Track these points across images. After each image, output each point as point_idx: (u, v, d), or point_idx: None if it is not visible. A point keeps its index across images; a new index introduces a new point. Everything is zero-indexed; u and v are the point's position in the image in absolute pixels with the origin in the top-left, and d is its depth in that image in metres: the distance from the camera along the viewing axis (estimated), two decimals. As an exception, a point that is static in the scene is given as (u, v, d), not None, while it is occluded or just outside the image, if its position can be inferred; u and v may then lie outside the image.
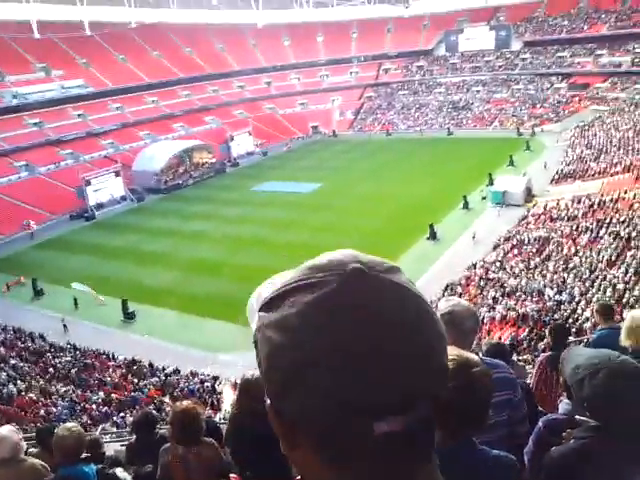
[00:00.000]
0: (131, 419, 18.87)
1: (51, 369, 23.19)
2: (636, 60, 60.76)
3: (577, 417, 2.19)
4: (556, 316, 20.19)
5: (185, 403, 3.90)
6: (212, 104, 72.10)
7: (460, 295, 25.01)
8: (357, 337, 0.62)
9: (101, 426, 16.53)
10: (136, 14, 72.22)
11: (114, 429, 16.93)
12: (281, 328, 0.66)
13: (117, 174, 50.09)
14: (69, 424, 3.94)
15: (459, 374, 1.57)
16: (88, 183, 47.10)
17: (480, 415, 1.64)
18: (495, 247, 30.52)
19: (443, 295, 25.32)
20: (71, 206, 46.43)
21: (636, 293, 19.29)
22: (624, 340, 3.47)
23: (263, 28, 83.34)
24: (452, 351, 1.65)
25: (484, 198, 39.12)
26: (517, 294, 23.60)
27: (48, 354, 24.44)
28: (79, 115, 59.95)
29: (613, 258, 23.70)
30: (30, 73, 60.11)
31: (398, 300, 0.66)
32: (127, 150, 58.27)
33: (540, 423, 2.23)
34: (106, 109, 62.79)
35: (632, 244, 24.03)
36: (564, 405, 2.42)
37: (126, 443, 6.54)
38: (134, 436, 5.53)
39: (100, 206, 47.44)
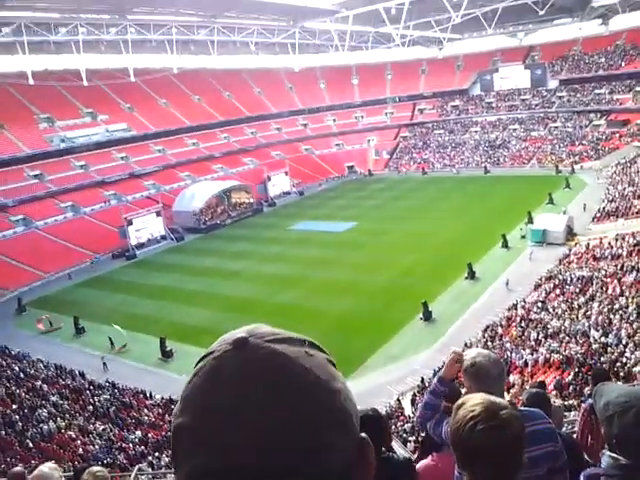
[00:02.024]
0: (167, 459, 18.85)
1: (90, 407, 23.44)
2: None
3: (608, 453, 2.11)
4: (603, 359, 19.42)
5: None
6: (250, 146, 73.97)
7: (501, 337, 24.43)
8: (215, 406, 0.66)
9: (137, 466, 16.50)
10: (178, 60, 75.19)
11: (150, 469, 16.86)
12: (180, 398, 0.73)
13: (158, 214, 51.40)
14: (95, 468, 3.96)
15: (485, 417, 1.53)
16: (130, 223, 48.44)
17: (514, 459, 1.59)
18: (536, 287, 29.78)
19: (483, 336, 24.79)
20: (113, 245, 47.73)
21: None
22: None
23: (299, 72, 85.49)
24: (478, 396, 1.64)
25: (524, 237, 38.44)
26: (561, 336, 22.85)
27: (87, 392, 24.74)
28: (122, 157, 62.25)
29: (662, 299, 22.82)
30: (78, 118, 63.07)
31: (266, 368, 0.68)
32: (168, 191, 59.91)
33: (582, 477, 2.14)
34: (148, 151, 65.05)
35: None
36: (605, 459, 2.32)
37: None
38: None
39: (141, 245, 48.60)
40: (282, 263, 39.97)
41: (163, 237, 51.06)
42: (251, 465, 0.63)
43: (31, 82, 60.40)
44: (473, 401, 1.60)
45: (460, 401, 1.68)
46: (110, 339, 29.88)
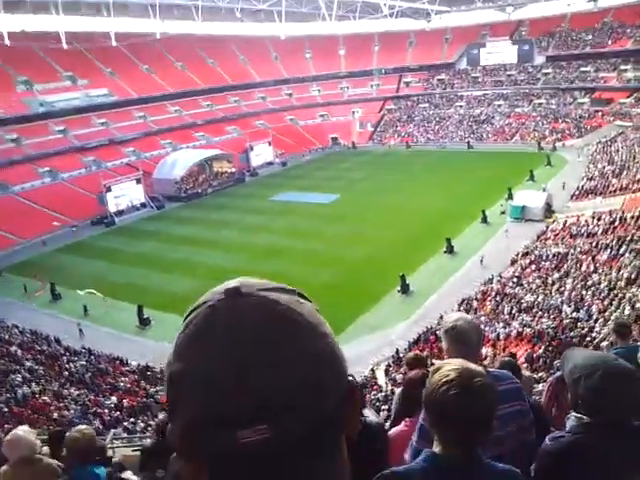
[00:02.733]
0: (142, 425, 19.00)
1: (66, 373, 23.43)
2: (661, 76, 59.98)
3: (573, 414, 2.23)
4: (573, 333, 19.84)
5: None
6: (233, 114, 73.00)
7: (476, 310, 24.80)
8: (212, 351, 0.67)
9: (112, 431, 16.60)
10: (161, 26, 73.50)
11: (125, 434, 16.99)
12: (172, 348, 0.74)
13: (138, 181, 50.76)
14: (82, 426, 4.00)
15: (459, 383, 1.56)
16: (109, 190, 47.80)
17: (482, 426, 1.62)
18: (513, 262, 30.17)
19: (459, 309, 25.12)
20: (92, 212, 47.11)
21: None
22: None
23: (285, 40, 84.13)
24: (455, 362, 1.66)
25: (503, 212, 38.78)
26: (534, 310, 23.27)
27: (63, 357, 24.71)
28: (103, 123, 61.06)
29: (633, 276, 23.23)
30: (57, 82, 61.48)
31: (261, 314, 0.70)
32: (148, 158, 59.08)
33: (547, 440, 2.20)
34: (129, 118, 63.85)
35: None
36: (570, 422, 2.38)
37: (140, 447, 6.54)
38: (151, 440, 5.51)
39: (120, 213, 48.08)
40: (263, 233, 39.89)
41: (143, 205, 50.52)
42: (247, 406, 0.64)
43: (7, 42, 58.70)
44: (449, 366, 1.63)
45: (437, 365, 1.71)
46: (85, 307, 29.71)
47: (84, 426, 4.11)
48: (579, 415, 2.10)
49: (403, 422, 3.57)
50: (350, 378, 0.76)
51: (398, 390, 4.54)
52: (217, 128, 69.53)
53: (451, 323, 2.63)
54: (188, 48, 75.35)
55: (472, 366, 1.65)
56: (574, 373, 2.03)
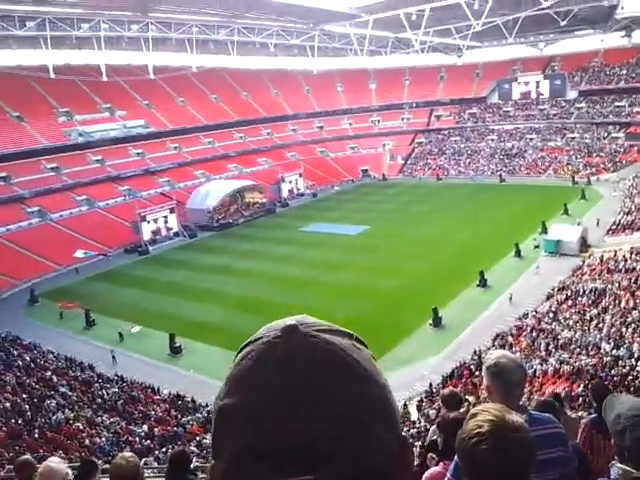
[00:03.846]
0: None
1: (99, 399, 23.60)
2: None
3: (619, 465, 2.13)
4: (613, 372, 19.23)
5: None
6: (265, 146, 74.24)
7: (511, 346, 24.27)
8: (264, 387, 0.66)
9: (143, 460, 16.58)
10: (197, 59, 75.76)
11: (156, 464, 16.94)
12: (224, 381, 0.72)
13: (172, 211, 51.67)
14: (127, 454, 4.00)
15: (491, 438, 1.47)
16: (144, 219, 48.75)
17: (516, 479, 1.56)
18: (548, 297, 29.57)
19: (493, 344, 24.65)
20: (126, 240, 48.07)
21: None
22: None
23: (317, 74, 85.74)
24: (493, 409, 1.57)
25: (537, 247, 38.18)
26: (571, 347, 22.67)
27: (96, 384, 24.92)
28: (138, 153, 62.70)
29: (675, 313, 22.56)
30: (96, 113, 63.69)
31: (317, 354, 0.68)
32: (182, 188, 60.20)
33: None
34: (164, 148, 65.45)
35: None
36: (614, 471, 2.31)
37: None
38: (167, 472, 5.49)
39: (154, 241, 48.91)
40: (293, 264, 40.00)
41: (176, 234, 51.33)
42: (295, 448, 0.62)
43: (52, 76, 61.30)
44: (484, 415, 1.53)
45: (474, 410, 1.63)
46: (120, 334, 30.09)
47: (129, 453, 4.12)
48: (626, 468, 2.02)
49: (441, 463, 3.53)
50: (403, 434, 0.73)
51: (432, 427, 4.48)
52: (249, 159, 70.68)
53: (493, 360, 2.59)
54: (222, 81, 77.51)
55: (509, 417, 1.53)
56: (619, 423, 1.94)
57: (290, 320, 0.73)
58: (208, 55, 77.93)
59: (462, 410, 4.45)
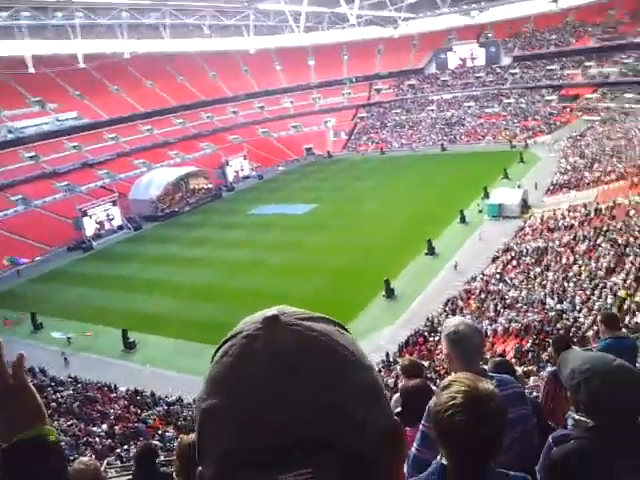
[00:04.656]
0: (135, 451, 18.66)
1: (53, 404, 22.90)
2: (624, 71, 61.44)
3: (575, 416, 2.25)
4: (558, 325, 20.08)
5: (192, 436, 3.80)
6: (206, 130, 72.74)
7: (461, 309, 24.94)
8: (250, 384, 0.63)
9: (106, 460, 16.26)
10: (129, 45, 73.17)
11: (119, 462, 16.66)
12: (204, 381, 0.69)
13: (114, 203, 50.19)
14: (85, 458, 3.97)
15: (467, 409, 1.49)
16: (85, 214, 47.17)
17: (492, 445, 1.56)
18: (494, 259, 30.49)
19: (444, 310, 25.29)
20: (68, 238, 46.40)
21: (638, 299, 19.21)
22: None
23: (255, 54, 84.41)
24: (463, 379, 1.59)
25: (481, 211, 39.21)
26: (518, 305, 23.51)
27: (49, 388, 24.17)
28: (74, 147, 60.29)
29: (612, 265, 23.66)
30: (25, 107, 60.70)
31: (302, 344, 0.65)
32: (123, 179, 58.42)
33: (550, 439, 2.19)
34: (101, 140, 63.17)
35: (630, 251, 24.01)
36: (570, 421, 2.38)
37: (129, 477, 6.39)
38: (134, 470, 5.39)
39: (97, 236, 47.45)
40: (243, 248, 39.68)
41: (120, 227, 49.94)
42: (286, 442, 0.60)
43: (-28, 70, 58.01)
44: (456, 386, 1.55)
45: (446, 381, 1.64)
46: (68, 338, 29.09)
47: (87, 458, 4.05)
48: (581, 418, 2.11)
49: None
50: (395, 415, 0.71)
51: (395, 396, 4.50)
52: (191, 145, 69.18)
53: (452, 328, 2.61)
54: (157, 66, 75.15)
55: (481, 385, 1.56)
56: (573, 378, 2.02)
57: (270, 311, 0.69)
58: (140, 40, 75.36)
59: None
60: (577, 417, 2.19)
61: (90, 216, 47.70)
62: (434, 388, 4.71)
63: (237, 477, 0.61)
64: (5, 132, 56.73)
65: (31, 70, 62.19)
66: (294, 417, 0.61)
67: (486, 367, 5.00)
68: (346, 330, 0.73)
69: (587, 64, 66.58)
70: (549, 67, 70.70)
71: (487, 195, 40.54)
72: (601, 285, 21.99)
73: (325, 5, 74.83)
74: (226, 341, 0.70)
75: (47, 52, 66.83)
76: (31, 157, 56.53)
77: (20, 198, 51.62)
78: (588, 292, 21.89)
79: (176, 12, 71.54)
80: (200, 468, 0.67)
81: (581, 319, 19.87)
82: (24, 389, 1.14)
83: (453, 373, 2.13)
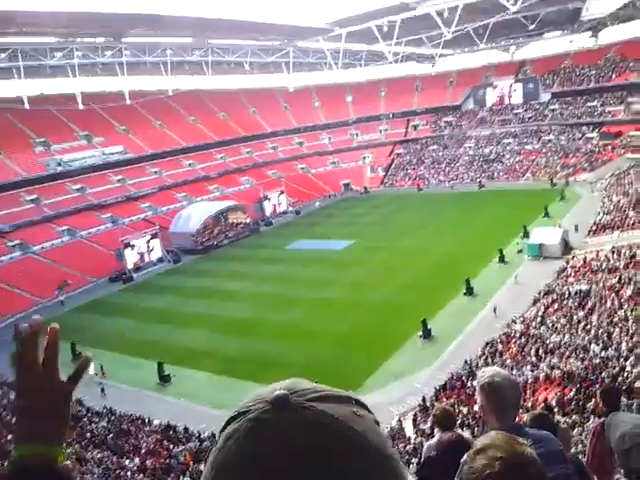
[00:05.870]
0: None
1: (88, 434, 23.14)
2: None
3: None
4: (603, 374, 19.28)
5: None
6: (246, 165, 74.20)
7: (501, 353, 24.29)
8: (258, 474, 0.59)
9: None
10: (173, 82, 75.97)
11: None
12: (208, 462, 0.65)
13: (155, 236, 51.29)
14: None
15: (509, 477, 1.38)
16: (127, 246, 48.32)
17: None
18: (535, 302, 29.70)
19: (483, 353, 24.64)
20: (110, 269, 47.52)
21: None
22: None
23: (294, 91, 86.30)
24: (499, 442, 1.48)
25: (520, 251, 38.43)
26: (561, 351, 22.72)
27: (85, 419, 24.45)
28: (119, 180, 62.31)
29: (660, 311, 22.73)
30: (73, 141, 63.28)
31: (314, 433, 0.60)
32: (164, 212, 59.88)
33: None
34: (144, 173, 65.15)
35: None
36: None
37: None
38: None
39: (138, 268, 48.44)
40: (280, 283, 39.83)
41: (160, 259, 50.92)
42: None
43: (27, 106, 60.94)
44: (493, 451, 1.44)
45: (479, 444, 1.53)
46: (101, 366, 29.40)
47: None
48: None
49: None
50: None
51: (426, 444, 4.45)
52: (230, 179, 70.62)
53: (487, 379, 2.54)
54: (199, 102, 77.61)
55: (519, 450, 1.44)
56: (624, 443, 1.92)
57: (280, 389, 0.64)
58: (184, 76, 78.20)
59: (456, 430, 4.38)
60: None
61: (132, 247, 48.78)
62: (469, 438, 4.58)
63: None
64: (54, 165, 59.13)
65: (80, 106, 64.96)
66: None
67: (524, 417, 4.85)
68: (366, 409, 0.69)
69: (629, 100, 65.39)
70: (589, 103, 69.76)
71: (527, 234, 39.79)
72: (649, 332, 21.12)
73: (363, 42, 76.23)
74: (232, 419, 0.65)
75: (95, 89, 69.96)
76: (78, 189, 58.57)
77: (66, 229, 53.36)
78: (635, 339, 21.01)
79: (218, 50, 74.04)
80: None
81: (627, 368, 19.02)
82: (68, 399, 1.03)
83: (488, 425, 2.05)
